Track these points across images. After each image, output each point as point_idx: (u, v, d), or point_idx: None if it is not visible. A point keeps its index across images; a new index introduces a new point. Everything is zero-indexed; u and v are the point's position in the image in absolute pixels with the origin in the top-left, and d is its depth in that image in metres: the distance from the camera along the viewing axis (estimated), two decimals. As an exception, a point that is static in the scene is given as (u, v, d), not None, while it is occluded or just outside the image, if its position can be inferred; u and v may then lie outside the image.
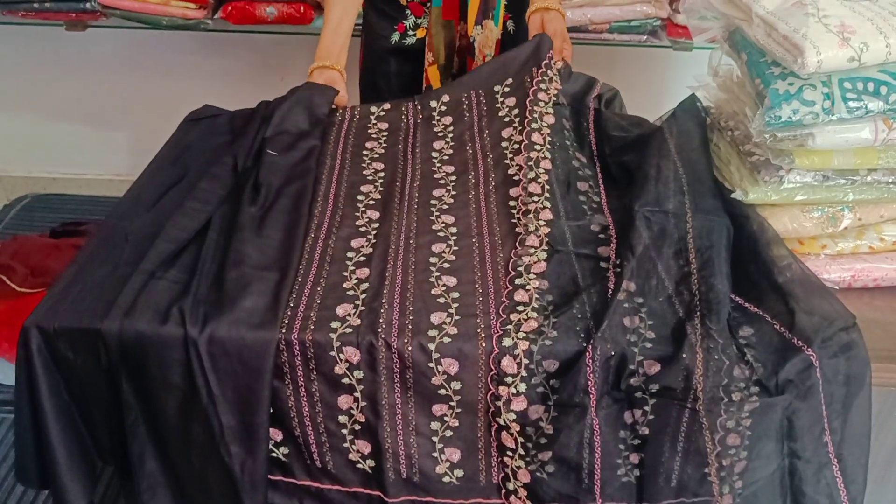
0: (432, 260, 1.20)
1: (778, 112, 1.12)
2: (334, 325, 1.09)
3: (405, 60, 1.75)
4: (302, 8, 2.27)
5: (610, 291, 1.13)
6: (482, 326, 1.09)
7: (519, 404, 1.06)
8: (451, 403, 1.10)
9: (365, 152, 1.44)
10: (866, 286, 1.25)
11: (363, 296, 1.14)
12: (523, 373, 1.05)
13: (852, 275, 1.24)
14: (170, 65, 2.80)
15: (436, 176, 1.37)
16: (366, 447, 1.13)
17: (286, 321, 1.10)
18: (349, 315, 1.11)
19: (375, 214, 1.30)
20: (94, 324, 1.10)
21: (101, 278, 1.18)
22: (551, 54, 1.48)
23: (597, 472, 1.07)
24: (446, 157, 1.41)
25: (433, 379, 1.08)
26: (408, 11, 1.71)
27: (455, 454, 1.13)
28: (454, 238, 1.24)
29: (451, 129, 1.47)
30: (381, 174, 1.39)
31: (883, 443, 1.25)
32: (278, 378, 1.11)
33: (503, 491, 1.14)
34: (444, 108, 1.51)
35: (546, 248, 1.18)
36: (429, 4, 1.69)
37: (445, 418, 1.11)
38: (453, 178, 1.37)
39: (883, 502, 1.32)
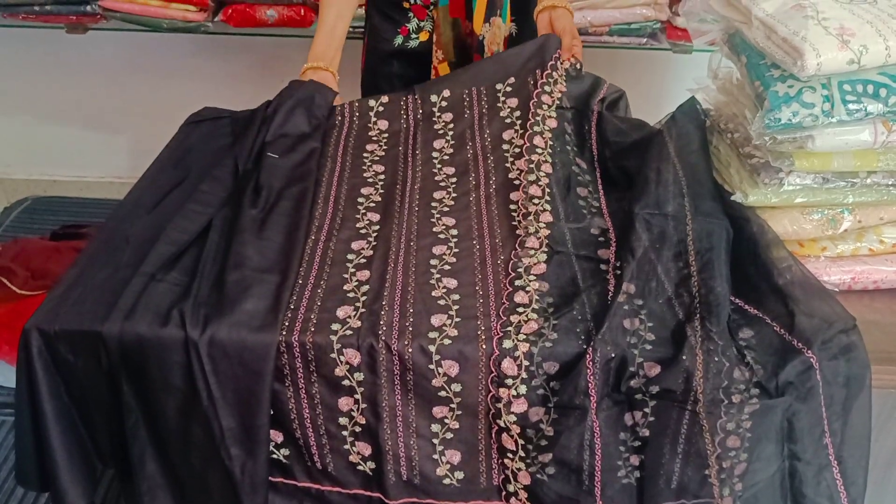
0: (433, 262, 1.20)
1: (777, 114, 1.12)
2: (335, 327, 1.09)
3: (408, 63, 1.75)
4: (302, 11, 2.28)
5: (610, 294, 1.13)
6: (483, 328, 1.09)
7: (519, 406, 1.06)
8: (452, 405, 1.10)
9: (365, 154, 1.44)
10: (866, 288, 1.25)
11: (364, 298, 1.14)
12: (524, 375, 1.05)
13: (852, 277, 1.24)
14: (170, 67, 2.81)
15: (436, 178, 1.38)
16: (366, 449, 1.13)
17: (286, 323, 1.10)
18: (350, 317, 1.11)
19: (376, 217, 1.31)
20: (95, 326, 1.10)
21: (102, 281, 1.18)
22: (558, 54, 1.48)
23: (597, 473, 1.07)
24: (446, 158, 1.41)
25: (433, 381, 1.08)
26: (410, 14, 1.71)
27: (455, 456, 1.13)
28: (455, 240, 1.24)
29: (451, 126, 1.46)
30: (382, 176, 1.39)
31: (883, 445, 1.25)
32: (279, 380, 1.11)
33: (503, 493, 1.14)
34: (444, 103, 1.50)
35: (546, 249, 1.18)
36: (432, 7, 1.69)
37: (446, 420, 1.11)
38: (454, 179, 1.37)
39: (883, 504, 1.33)
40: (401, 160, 1.42)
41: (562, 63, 1.48)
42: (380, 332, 1.08)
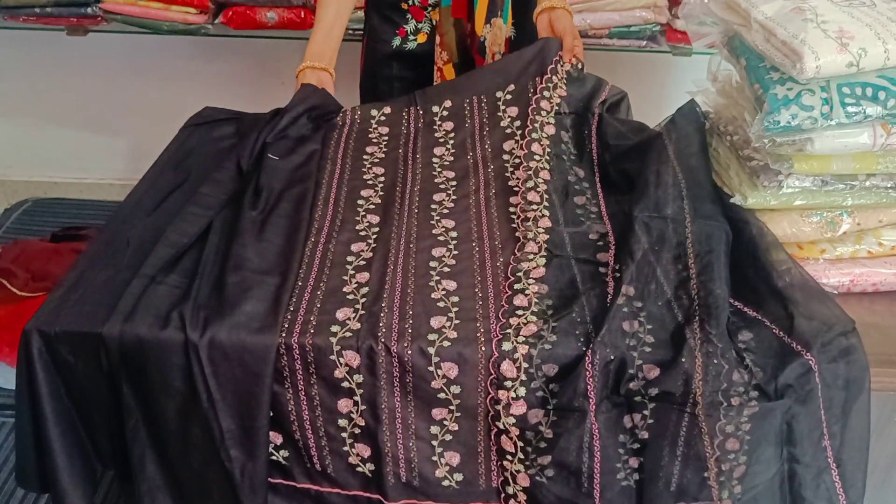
0: (432, 264, 1.20)
1: (777, 117, 1.12)
2: (334, 329, 1.09)
3: (406, 65, 1.75)
4: (302, 13, 2.28)
5: (609, 296, 1.13)
6: (482, 331, 1.09)
7: (518, 408, 1.06)
8: (451, 407, 1.10)
9: (365, 157, 1.45)
10: (865, 291, 1.25)
11: (363, 300, 1.14)
12: (523, 377, 1.06)
13: (851, 279, 1.24)
14: (170, 69, 2.81)
15: (436, 181, 1.38)
16: (365, 451, 1.14)
17: (286, 325, 1.10)
18: (349, 319, 1.11)
19: (375, 219, 1.31)
20: (95, 328, 1.10)
21: (102, 283, 1.18)
22: (558, 58, 1.48)
23: (596, 476, 1.07)
24: (447, 163, 1.41)
25: (433, 383, 1.08)
26: (409, 16, 1.71)
27: (455, 458, 1.13)
28: (454, 242, 1.24)
29: (451, 135, 1.47)
30: (382, 178, 1.40)
31: (883, 447, 1.25)
32: (278, 382, 1.11)
33: (503, 495, 1.14)
34: (445, 113, 1.51)
35: (545, 254, 1.19)
36: (430, 8, 1.69)
37: (445, 422, 1.11)
38: (454, 182, 1.37)
39: (883, 507, 1.32)
40: (401, 162, 1.42)
41: (563, 65, 1.48)
42: (379, 334, 1.08)
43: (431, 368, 1.07)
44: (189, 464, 1.15)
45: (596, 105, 1.45)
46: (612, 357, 1.05)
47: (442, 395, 1.09)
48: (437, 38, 1.71)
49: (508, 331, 1.08)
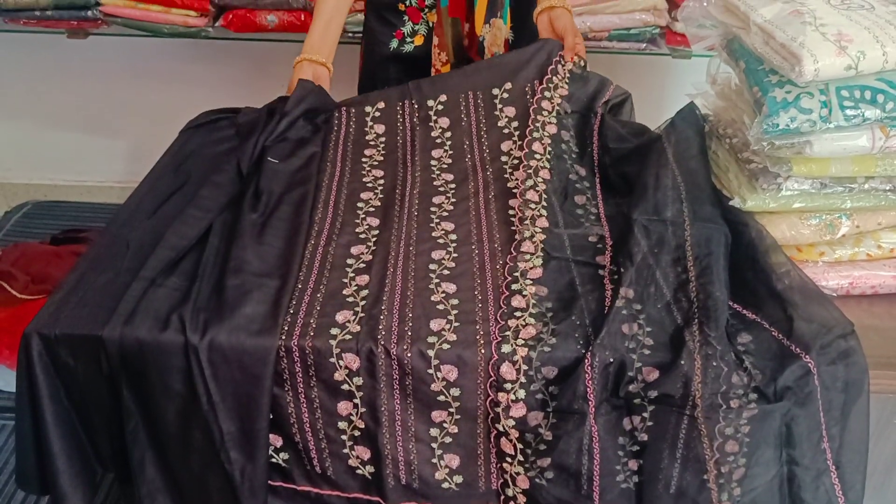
0: (432, 267, 1.20)
1: (776, 120, 1.12)
2: (334, 331, 1.10)
3: (404, 68, 1.75)
4: (302, 16, 2.28)
5: (608, 299, 1.13)
6: (481, 333, 1.09)
7: (518, 411, 1.06)
8: (451, 410, 1.10)
9: (364, 159, 1.45)
10: (864, 293, 1.25)
11: (363, 302, 1.14)
12: (522, 379, 1.06)
13: (850, 282, 1.24)
14: (171, 72, 2.81)
15: (435, 183, 1.38)
16: (365, 453, 1.14)
17: (286, 328, 1.10)
18: (349, 322, 1.11)
19: (375, 221, 1.31)
20: (95, 330, 1.10)
21: (102, 285, 1.18)
22: (559, 57, 1.48)
23: (596, 478, 1.07)
24: (445, 166, 1.41)
25: (432, 385, 1.08)
26: (405, 18, 1.71)
27: (454, 460, 1.13)
28: (454, 245, 1.24)
29: (448, 133, 1.47)
30: (381, 181, 1.40)
31: (882, 450, 1.25)
32: (278, 384, 1.11)
33: (502, 497, 1.14)
34: (440, 107, 1.50)
35: (542, 254, 1.19)
36: (426, 10, 1.69)
37: (444, 425, 1.11)
38: (453, 185, 1.37)
39: (882, 509, 1.32)
40: (400, 165, 1.42)
41: (564, 64, 1.48)
42: (379, 337, 1.08)
43: (431, 371, 1.07)
44: (189, 466, 1.15)
45: (599, 105, 1.44)
46: (612, 359, 1.05)
47: (441, 398, 1.09)
48: (435, 39, 1.71)
49: (507, 333, 1.08)
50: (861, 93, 1.12)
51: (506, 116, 1.45)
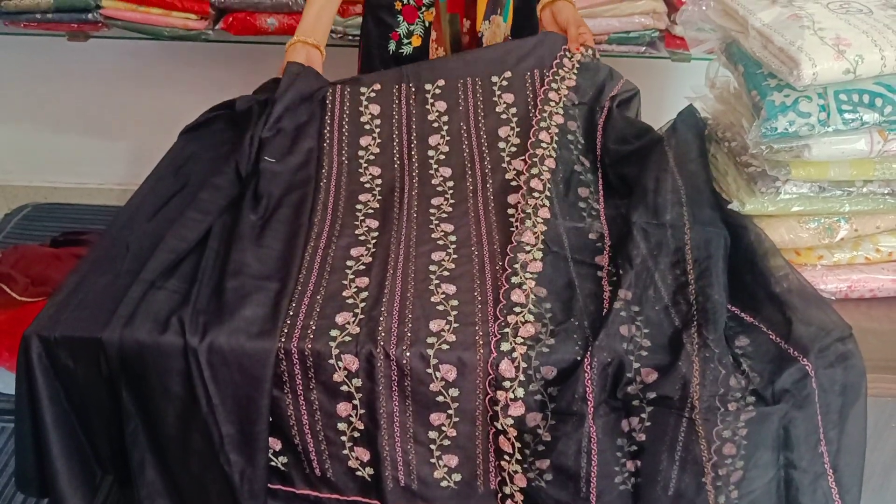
0: (432, 268, 1.21)
1: (774, 123, 1.13)
2: (333, 333, 1.10)
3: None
4: (303, 19, 2.28)
5: (606, 300, 1.13)
6: (481, 334, 1.09)
7: (516, 409, 1.06)
8: (449, 412, 1.10)
9: (360, 152, 1.44)
10: (863, 297, 1.26)
11: (362, 304, 1.14)
12: (521, 377, 1.06)
13: (849, 285, 1.24)
14: (171, 75, 2.81)
15: (433, 182, 1.38)
16: (365, 455, 1.14)
17: (286, 330, 1.10)
18: (348, 323, 1.11)
19: (374, 223, 1.31)
20: (95, 333, 1.10)
21: (102, 288, 1.18)
22: (564, 50, 1.48)
23: (594, 480, 1.07)
24: (442, 157, 1.41)
25: (431, 385, 1.08)
26: (400, 18, 1.71)
27: (453, 460, 1.14)
28: (453, 246, 1.25)
29: (445, 118, 1.46)
30: (379, 181, 1.40)
31: (880, 453, 1.25)
32: (277, 387, 1.11)
33: (500, 495, 1.14)
34: (438, 91, 1.50)
35: (542, 246, 1.19)
36: (423, 8, 1.69)
37: (443, 427, 1.11)
38: (451, 183, 1.37)
39: (880, 512, 1.33)
40: (396, 160, 1.42)
41: (571, 56, 1.48)
42: (378, 339, 1.08)
43: (430, 371, 1.07)
44: (188, 469, 1.15)
45: (606, 99, 1.45)
46: (611, 361, 1.06)
47: (440, 399, 1.09)
48: (433, 34, 1.71)
49: (507, 330, 1.08)
50: (859, 96, 1.12)
51: (504, 103, 1.45)
